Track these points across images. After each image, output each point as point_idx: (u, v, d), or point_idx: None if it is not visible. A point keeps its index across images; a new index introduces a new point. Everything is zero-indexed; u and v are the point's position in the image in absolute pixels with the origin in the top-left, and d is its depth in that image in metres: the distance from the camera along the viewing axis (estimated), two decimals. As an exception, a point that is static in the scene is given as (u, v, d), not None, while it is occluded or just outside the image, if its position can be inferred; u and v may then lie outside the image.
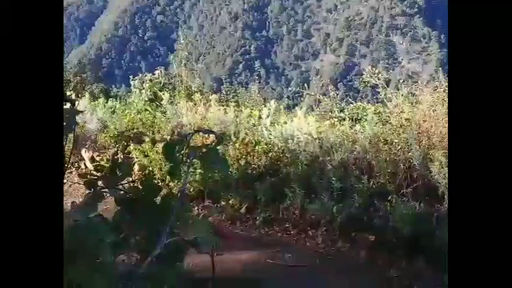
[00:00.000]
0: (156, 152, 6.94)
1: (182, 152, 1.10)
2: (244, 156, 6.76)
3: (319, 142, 6.67)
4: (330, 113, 9.45)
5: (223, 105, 8.86)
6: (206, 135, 5.36)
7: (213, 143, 1.13)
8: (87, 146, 8.36)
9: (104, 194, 1.16)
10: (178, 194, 1.18)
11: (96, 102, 10.00)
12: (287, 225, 6.00)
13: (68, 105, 1.23)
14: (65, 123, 1.28)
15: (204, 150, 1.10)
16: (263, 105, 9.26)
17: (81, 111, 1.72)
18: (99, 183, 1.18)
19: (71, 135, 1.41)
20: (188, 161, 1.12)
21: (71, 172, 7.39)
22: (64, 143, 1.30)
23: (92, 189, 1.16)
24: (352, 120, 7.82)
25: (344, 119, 8.13)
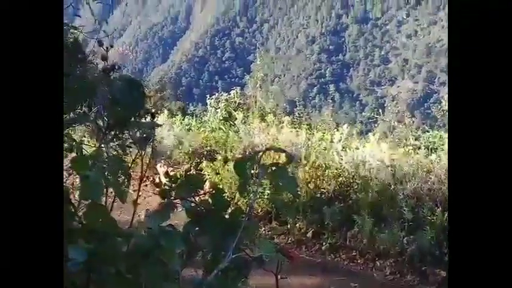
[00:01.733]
0: (228, 170, 7.08)
1: (253, 169, 1.13)
2: (313, 180, 6.72)
3: (391, 170, 6.50)
4: (405, 141, 9.19)
5: (295, 128, 8.89)
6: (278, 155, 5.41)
7: (284, 163, 1.15)
8: (162, 161, 8.69)
9: (176, 205, 1.22)
10: (247, 210, 1.21)
11: (174, 119, 10.40)
12: (354, 254, 5.86)
13: (148, 119, 1.31)
14: (144, 135, 1.35)
15: (273, 168, 1.12)
16: (335, 130, 9.18)
17: (160, 125, 1.81)
18: (173, 193, 1.23)
19: (148, 149, 1.48)
20: (258, 178, 1.15)
21: (146, 185, 7.71)
22: (142, 155, 1.37)
23: (166, 199, 1.22)
24: (428, 149, 7.55)
25: (419, 148, 7.87)
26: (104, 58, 1.25)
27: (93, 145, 1.30)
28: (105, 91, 1.19)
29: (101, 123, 1.23)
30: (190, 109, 17.51)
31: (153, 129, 1.31)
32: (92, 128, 1.26)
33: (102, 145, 1.26)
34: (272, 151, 1.22)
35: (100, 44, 1.29)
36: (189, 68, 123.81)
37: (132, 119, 1.22)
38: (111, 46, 1.30)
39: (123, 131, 1.25)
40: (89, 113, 1.23)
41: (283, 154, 1.14)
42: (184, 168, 8.15)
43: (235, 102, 11.51)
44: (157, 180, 1.30)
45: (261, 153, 1.10)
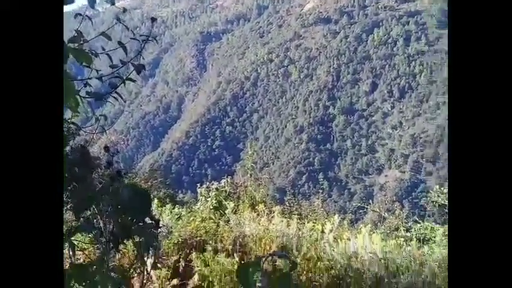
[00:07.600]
0: (217, 262, 6.90)
1: (255, 276, 1.12)
2: (305, 272, 6.55)
3: (384, 262, 6.38)
4: (396, 232, 9.16)
5: (286, 217, 8.83)
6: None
7: (286, 268, 1.15)
8: (150, 252, 8.47)
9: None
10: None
11: (163, 208, 10.30)
12: None
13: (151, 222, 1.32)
14: (142, 239, 1.35)
15: (277, 275, 1.12)
16: (326, 219, 9.14)
17: (161, 226, 1.80)
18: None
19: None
20: (260, 284, 1.14)
21: (133, 277, 7.46)
22: (143, 262, 1.36)
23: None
24: (420, 241, 7.50)
25: (411, 239, 7.82)
26: (110, 164, 1.25)
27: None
28: (111, 199, 1.19)
29: (105, 230, 1.22)
30: (179, 197, 17.45)
31: (157, 237, 1.30)
32: (95, 234, 1.24)
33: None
34: (275, 256, 1.22)
35: (106, 150, 1.30)
36: (179, 155, 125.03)
37: (136, 226, 1.22)
38: (118, 152, 1.33)
39: (127, 238, 1.23)
40: (93, 221, 1.22)
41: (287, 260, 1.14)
42: (173, 259, 7.93)
43: (225, 191, 11.48)
44: (145, 273, 1.28)
45: (264, 259, 1.11)
